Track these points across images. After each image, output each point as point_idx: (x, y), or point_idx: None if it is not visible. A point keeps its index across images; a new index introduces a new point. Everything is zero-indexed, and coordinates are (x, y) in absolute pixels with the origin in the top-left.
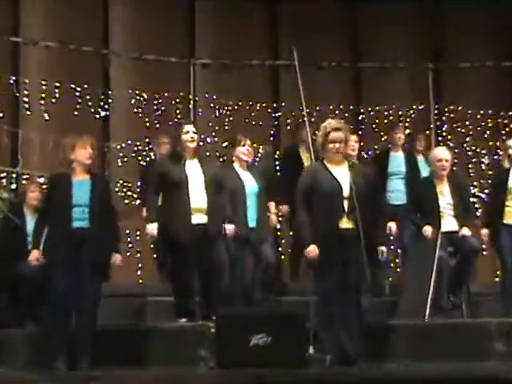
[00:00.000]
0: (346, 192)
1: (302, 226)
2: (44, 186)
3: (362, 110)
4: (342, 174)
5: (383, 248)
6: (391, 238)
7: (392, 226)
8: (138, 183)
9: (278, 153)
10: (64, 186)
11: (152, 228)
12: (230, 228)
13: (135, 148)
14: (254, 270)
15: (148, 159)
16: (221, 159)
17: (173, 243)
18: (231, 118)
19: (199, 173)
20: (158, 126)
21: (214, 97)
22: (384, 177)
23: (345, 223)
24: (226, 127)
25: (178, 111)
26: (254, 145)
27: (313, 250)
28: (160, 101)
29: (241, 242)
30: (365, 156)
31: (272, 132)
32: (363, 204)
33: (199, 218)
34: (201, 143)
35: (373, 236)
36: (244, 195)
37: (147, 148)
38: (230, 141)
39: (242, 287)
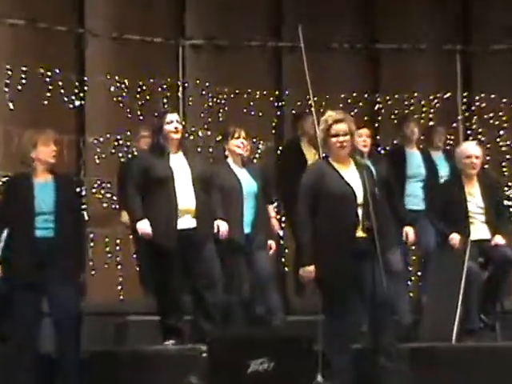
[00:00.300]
0: (360, 198)
1: (302, 234)
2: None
3: (378, 99)
4: (352, 176)
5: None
6: (412, 247)
7: (409, 231)
8: (117, 183)
9: (280, 148)
10: (24, 189)
11: (144, 226)
12: (222, 226)
13: (115, 143)
14: (253, 282)
15: (130, 156)
16: (213, 154)
17: (157, 251)
18: (227, 109)
19: (185, 168)
20: (141, 117)
21: (207, 84)
22: (401, 178)
23: (358, 232)
24: (221, 119)
25: (164, 100)
26: (254, 139)
27: (310, 272)
28: (144, 88)
29: (235, 249)
30: (382, 152)
31: (274, 124)
32: (378, 210)
33: (187, 222)
34: (191, 137)
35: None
36: (240, 195)
37: (129, 143)
38: (223, 133)
39: (239, 302)
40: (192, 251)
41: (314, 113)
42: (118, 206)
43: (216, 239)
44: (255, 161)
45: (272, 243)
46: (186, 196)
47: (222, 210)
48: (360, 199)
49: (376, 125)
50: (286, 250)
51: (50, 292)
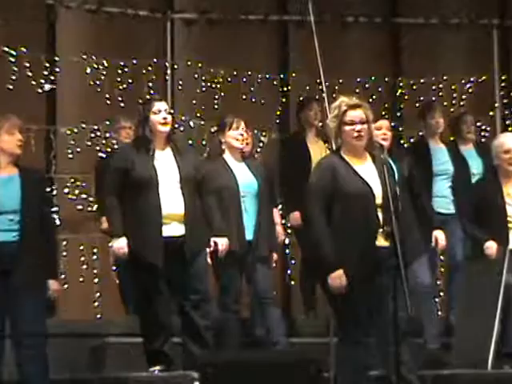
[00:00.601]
0: (379, 198)
1: (320, 239)
2: None
3: (401, 84)
4: (369, 172)
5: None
6: (441, 254)
7: (439, 235)
8: (95, 183)
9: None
10: None
11: (121, 246)
12: (222, 242)
13: (91, 134)
14: (252, 299)
15: (109, 150)
16: (207, 148)
17: (139, 263)
18: (223, 94)
19: (173, 167)
20: (122, 104)
21: (200, 65)
22: (427, 176)
23: (379, 240)
24: (216, 106)
25: (150, 84)
26: (255, 130)
27: (340, 276)
28: (126, 70)
29: (233, 261)
30: (405, 146)
31: (278, 112)
32: (400, 213)
33: (174, 229)
34: (181, 128)
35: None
36: (236, 195)
37: (108, 134)
38: (219, 123)
39: (236, 321)
40: (180, 263)
41: (326, 99)
42: (95, 210)
43: (212, 254)
44: (257, 156)
45: (274, 255)
46: (172, 200)
47: (219, 222)
48: (379, 199)
49: (398, 114)
50: (293, 261)
51: (13, 305)
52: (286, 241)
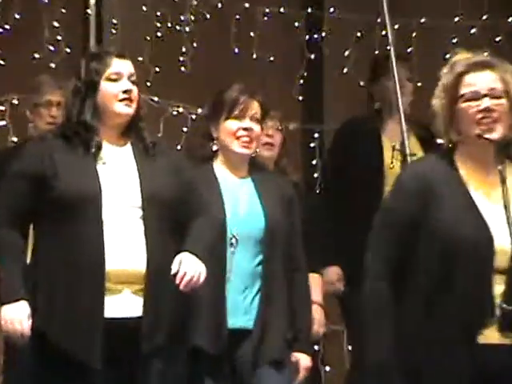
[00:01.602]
0: (505, 255)
1: (368, 316)
2: None
3: None
4: (500, 206)
5: None
6: None
7: None
8: None
9: (319, 137)
10: None
11: (19, 318)
12: (189, 270)
13: None
14: None
15: (14, 142)
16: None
17: (60, 365)
18: (196, 45)
19: (134, 179)
20: (1, 61)
21: None
22: None
23: (494, 332)
24: (183, 68)
25: (55, 24)
26: (274, 119)
27: None
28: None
29: (211, 365)
30: None
31: (302, 81)
32: None
33: (127, 303)
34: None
35: None
36: (221, 240)
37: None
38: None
39: None
40: (131, 367)
41: (394, 61)
42: None
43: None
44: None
45: (303, 359)
46: (127, 244)
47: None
48: (505, 258)
49: None
50: (327, 368)
51: None
52: (320, 330)
